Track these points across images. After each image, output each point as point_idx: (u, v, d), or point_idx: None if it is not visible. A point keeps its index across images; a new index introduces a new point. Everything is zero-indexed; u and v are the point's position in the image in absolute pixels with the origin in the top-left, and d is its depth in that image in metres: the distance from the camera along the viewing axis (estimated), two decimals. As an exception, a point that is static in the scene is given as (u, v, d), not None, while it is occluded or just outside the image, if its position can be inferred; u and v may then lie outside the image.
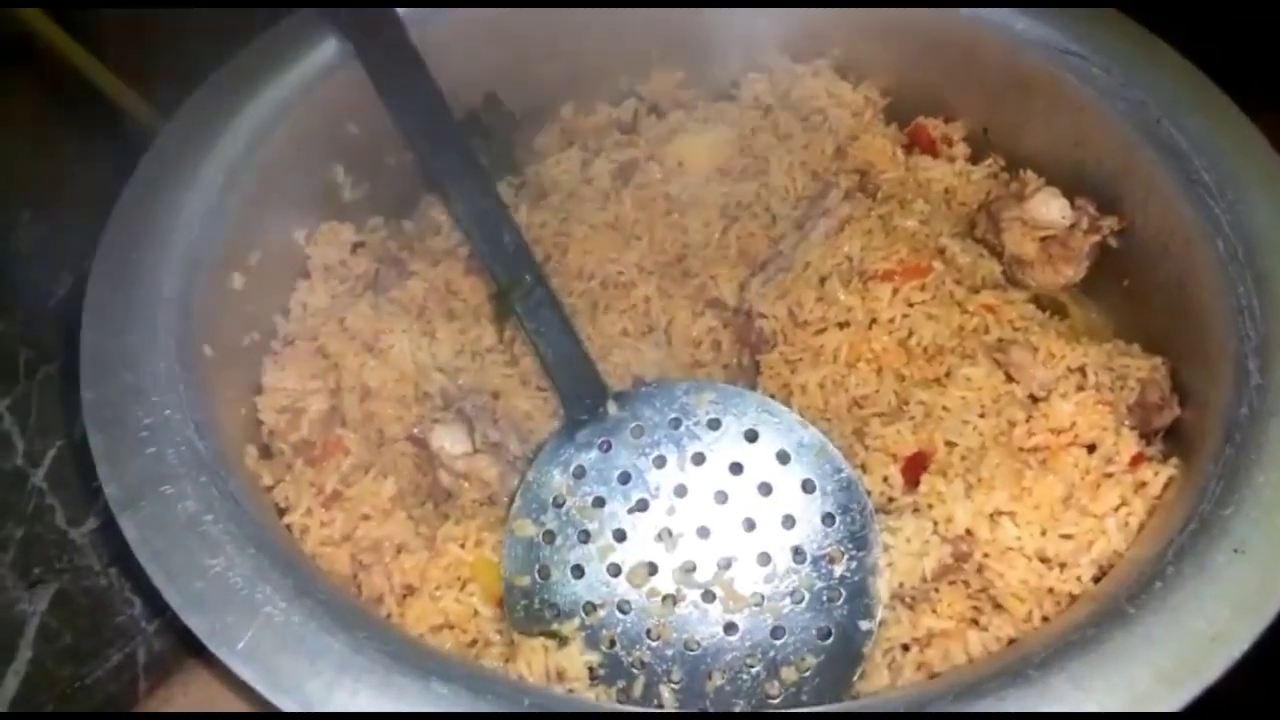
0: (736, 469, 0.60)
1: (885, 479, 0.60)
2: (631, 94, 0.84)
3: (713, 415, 0.61)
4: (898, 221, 0.69)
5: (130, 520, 0.52)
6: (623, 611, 0.59)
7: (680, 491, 0.60)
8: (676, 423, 0.61)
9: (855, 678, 0.56)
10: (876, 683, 0.56)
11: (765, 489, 0.60)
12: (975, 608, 0.57)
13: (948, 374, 0.63)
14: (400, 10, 0.71)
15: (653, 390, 0.63)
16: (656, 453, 0.61)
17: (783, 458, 0.60)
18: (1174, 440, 0.61)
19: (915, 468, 0.59)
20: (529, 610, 0.59)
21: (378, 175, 0.77)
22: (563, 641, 0.58)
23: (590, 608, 0.59)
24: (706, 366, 0.71)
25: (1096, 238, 0.69)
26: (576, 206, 0.77)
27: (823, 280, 0.68)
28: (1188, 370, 0.62)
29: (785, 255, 0.71)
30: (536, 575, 0.60)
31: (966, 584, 0.58)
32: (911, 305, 0.65)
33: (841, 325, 0.65)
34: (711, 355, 0.72)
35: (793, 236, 0.72)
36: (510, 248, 0.65)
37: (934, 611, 0.57)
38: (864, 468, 0.61)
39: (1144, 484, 0.57)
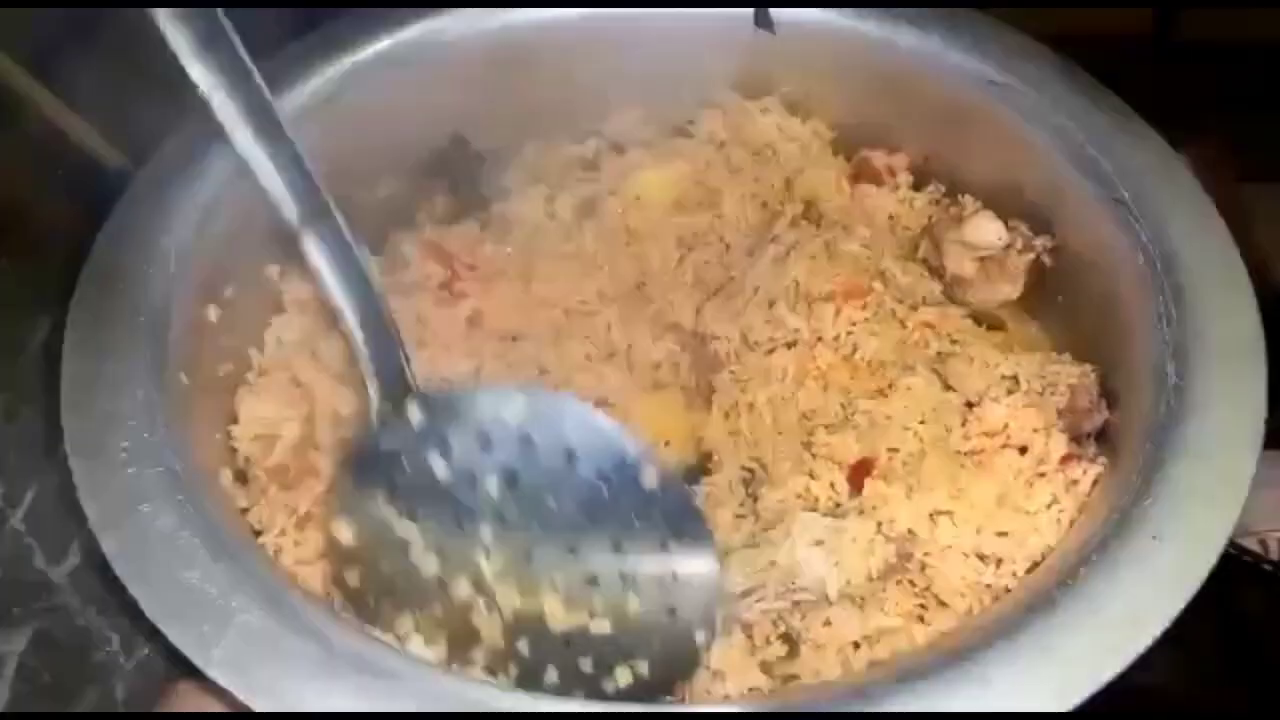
0: (554, 486, 0.57)
1: (832, 485, 0.63)
2: (593, 133, 0.87)
3: (525, 430, 0.57)
4: (841, 246, 0.73)
5: (110, 538, 0.55)
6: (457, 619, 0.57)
7: (498, 514, 0.57)
8: (486, 439, 0.57)
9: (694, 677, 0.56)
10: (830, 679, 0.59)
11: (586, 507, 0.56)
12: (921, 605, 0.60)
13: (890, 385, 0.66)
14: (364, 54, 0.75)
15: (458, 396, 0.59)
16: (468, 470, 0.57)
17: (602, 474, 0.56)
18: (1104, 442, 0.65)
19: (860, 473, 0.62)
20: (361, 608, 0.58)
21: (347, 211, 0.79)
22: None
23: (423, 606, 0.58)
24: (667, 388, 0.75)
25: (1031, 256, 0.73)
26: (541, 240, 0.81)
27: (771, 303, 0.71)
28: (1116, 376, 0.65)
29: (737, 281, 0.75)
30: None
31: (912, 583, 0.60)
32: (854, 324, 0.68)
33: (789, 345, 0.69)
34: (671, 377, 0.75)
35: (743, 263, 0.76)
36: (306, 181, 0.60)
37: (882, 610, 0.60)
38: (812, 475, 0.63)
39: (1075, 482, 0.60)
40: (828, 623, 0.60)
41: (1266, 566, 0.89)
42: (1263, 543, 0.94)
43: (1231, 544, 0.79)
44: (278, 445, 0.68)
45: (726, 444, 0.70)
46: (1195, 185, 0.65)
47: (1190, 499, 0.54)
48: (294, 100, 0.76)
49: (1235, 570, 0.88)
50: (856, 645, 0.60)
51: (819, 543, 0.60)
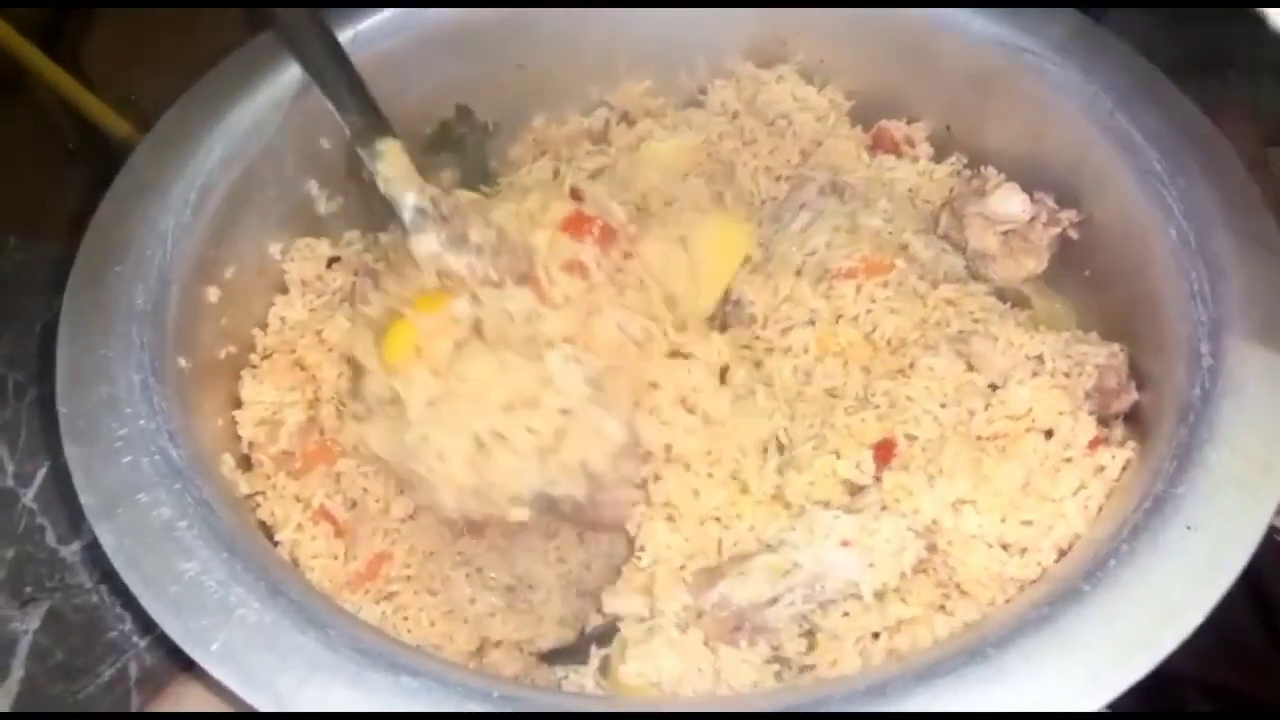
0: None
1: (858, 465, 0.61)
2: (602, 103, 0.85)
3: None
4: (862, 220, 0.70)
5: (107, 528, 0.54)
6: None
7: None
8: None
9: None
10: (847, 670, 0.57)
11: None
12: (944, 594, 0.59)
13: (911, 365, 0.64)
14: (366, 24, 0.73)
15: None
16: None
17: None
18: (1134, 424, 0.62)
19: (884, 454, 0.60)
20: None
21: (352, 189, 0.78)
22: None
23: None
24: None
25: (1056, 230, 0.71)
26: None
27: (798, 271, 0.69)
28: (1145, 355, 0.63)
29: (765, 247, 0.72)
30: None
31: (935, 572, 0.59)
32: (875, 301, 0.66)
33: (810, 323, 0.67)
34: None
35: (769, 227, 0.74)
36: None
37: (903, 600, 0.58)
38: (837, 454, 0.61)
39: (1102, 467, 0.58)
40: (847, 614, 0.58)
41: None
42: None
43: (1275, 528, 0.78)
44: (282, 431, 0.67)
45: (762, 391, 0.67)
46: (1231, 156, 0.62)
47: (1226, 486, 0.51)
48: (296, 73, 0.74)
49: (1266, 551, 0.85)
50: (876, 635, 0.58)
51: (846, 543, 0.57)
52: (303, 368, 0.71)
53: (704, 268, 0.70)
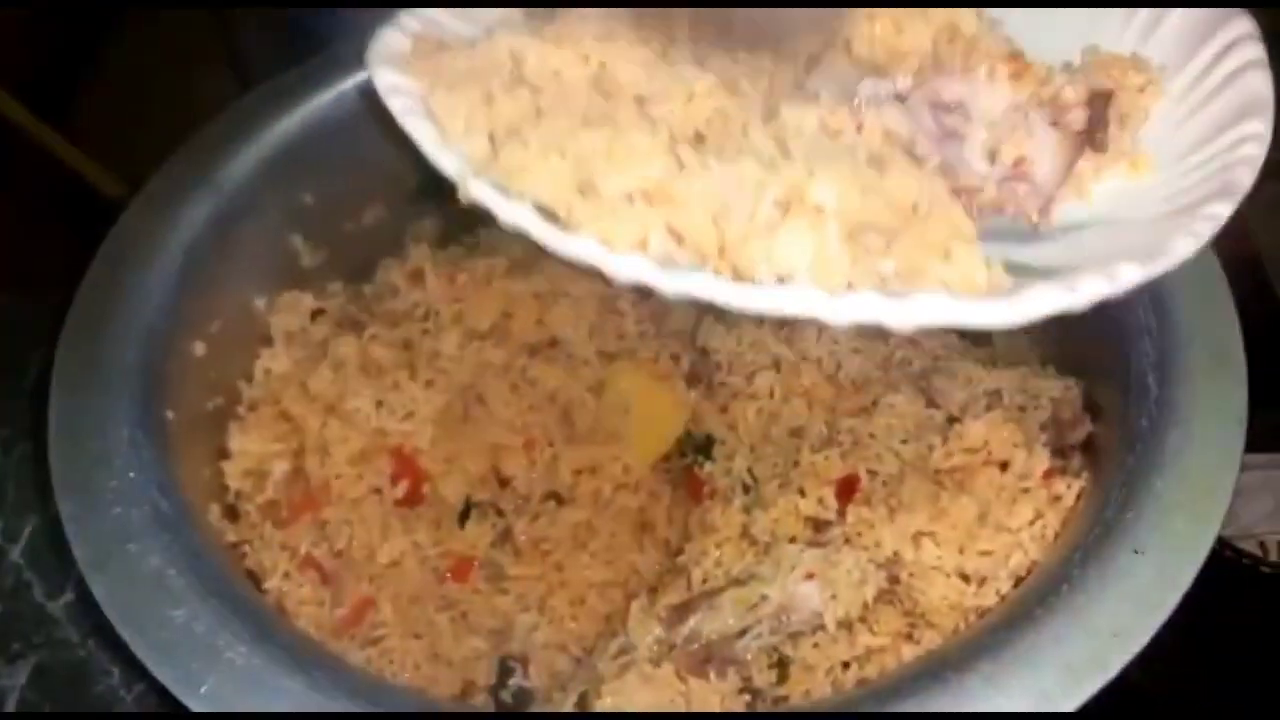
0: None
1: (820, 500, 0.63)
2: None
3: None
4: (824, 262, 0.73)
5: (98, 578, 0.55)
6: None
7: None
8: None
9: None
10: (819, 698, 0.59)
11: None
12: (910, 624, 0.61)
13: (874, 403, 0.66)
14: (349, 84, 0.76)
15: None
16: None
17: None
18: (1090, 454, 0.64)
19: (847, 490, 0.62)
20: None
21: (335, 242, 0.81)
22: None
23: None
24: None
25: (1014, 269, 0.73)
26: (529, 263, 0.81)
27: (762, 319, 0.71)
28: (1099, 388, 0.65)
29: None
30: None
31: (900, 603, 0.61)
32: (836, 343, 0.68)
33: (774, 367, 0.69)
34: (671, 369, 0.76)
35: None
36: None
37: (871, 630, 0.60)
38: (801, 492, 0.64)
39: (1058, 497, 0.60)
40: (817, 645, 0.60)
41: (1266, 569, 0.89)
42: (1262, 545, 0.94)
43: (1231, 547, 0.80)
44: (268, 481, 0.69)
45: (728, 436, 0.71)
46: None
47: (1171, 511, 0.54)
48: (281, 132, 0.77)
49: (1235, 573, 0.87)
50: (846, 665, 0.60)
51: (810, 576, 0.60)
52: (288, 419, 0.73)
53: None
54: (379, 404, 0.72)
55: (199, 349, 0.70)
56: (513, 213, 0.49)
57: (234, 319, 0.74)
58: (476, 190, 0.50)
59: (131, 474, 0.59)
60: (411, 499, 0.72)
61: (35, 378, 0.82)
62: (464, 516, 0.73)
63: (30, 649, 0.75)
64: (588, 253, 0.46)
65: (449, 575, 0.72)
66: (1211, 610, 0.80)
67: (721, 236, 0.46)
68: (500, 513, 0.74)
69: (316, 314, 0.79)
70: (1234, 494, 0.79)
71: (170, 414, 0.64)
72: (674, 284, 0.45)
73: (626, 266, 0.46)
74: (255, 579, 0.68)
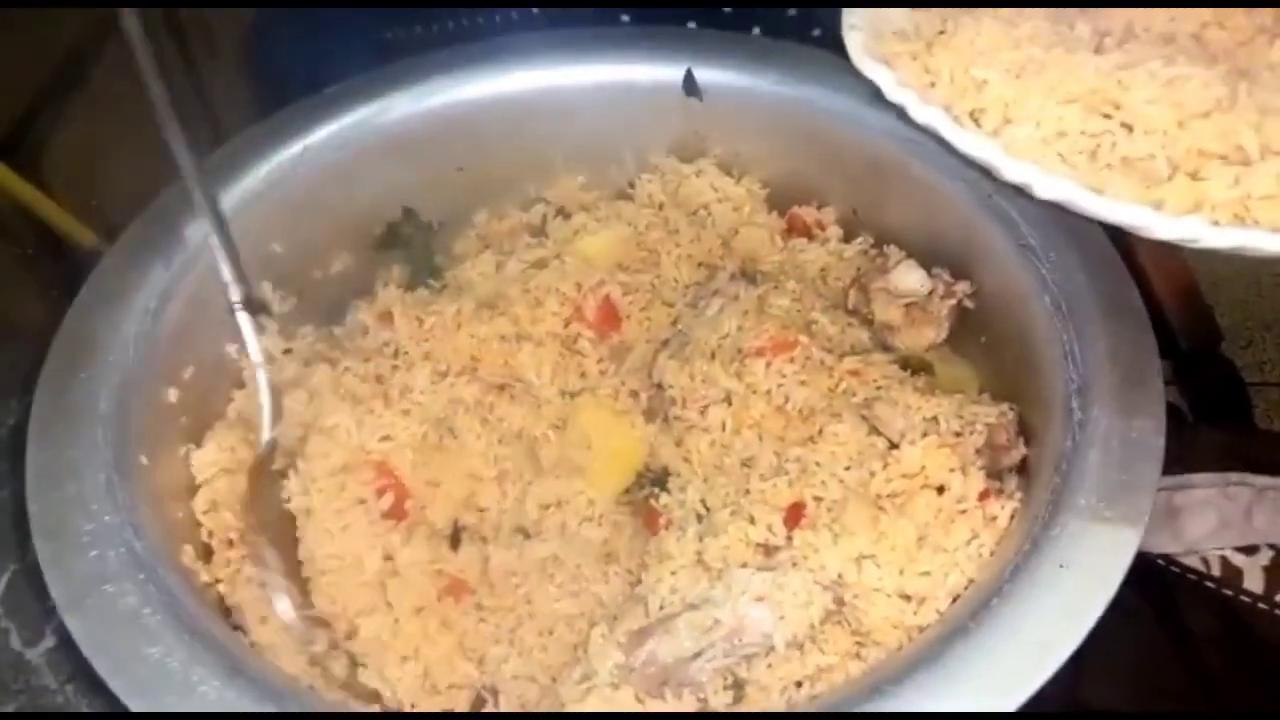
0: None
1: (769, 527, 0.66)
2: (539, 199, 0.91)
3: None
4: (772, 301, 0.77)
5: (76, 618, 0.58)
6: None
7: None
8: None
9: None
10: (772, 718, 0.62)
11: None
12: (858, 643, 0.63)
13: (820, 432, 0.69)
14: (315, 137, 0.79)
15: None
16: None
17: None
18: (1024, 476, 0.68)
19: (794, 516, 0.65)
20: None
21: (304, 288, 0.84)
22: None
23: None
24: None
25: (952, 301, 0.77)
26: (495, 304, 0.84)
27: (713, 354, 0.75)
28: (1031, 413, 0.69)
29: (684, 333, 0.78)
30: None
31: (847, 623, 0.64)
32: (784, 376, 0.71)
33: (725, 401, 0.72)
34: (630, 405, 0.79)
35: (688, 315, 0.80)
36: None
37: (821, 650, 0.63)
38: (751, 519, 0.66)
39: (994, 517, 0.64)
40: (770, 665, 0.63)
41: (1209, 584, 0.92)
42: (1205, 561, 0.97)
43: (1175, 563, 0.83)
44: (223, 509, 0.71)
45: (683, 468, 0.73)
46: (1095, 227, 0.69)
47: (1094, 526, 0.57)
48: (250, 184, 0.80)
49: (1179, 588, 0.90)
50: (799, 684, 0.63)
51: (760, 599, 0.62)
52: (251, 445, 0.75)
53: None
54: (359, 424, 0.74)
55: (172, 395, 0.73)
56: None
57: (206, 366, 0.76)
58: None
59: (107, 517, 0.61)
60: (397, 513, 0.73)
61: (12, 427, 0.83)
62: (455, 540, 0.75)
63: (8, 696, 0.75)
64: None
65: (445, 594, 0.72)
66: (1158, 625, 0.84)
67: None
68: (485, 540, 0.75)
69: (286, 353, 0.81)
70: (1178, 512, 0.84)
71: (144, 459, 0.67)
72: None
73: None
74: (229, 616, 0.70)
